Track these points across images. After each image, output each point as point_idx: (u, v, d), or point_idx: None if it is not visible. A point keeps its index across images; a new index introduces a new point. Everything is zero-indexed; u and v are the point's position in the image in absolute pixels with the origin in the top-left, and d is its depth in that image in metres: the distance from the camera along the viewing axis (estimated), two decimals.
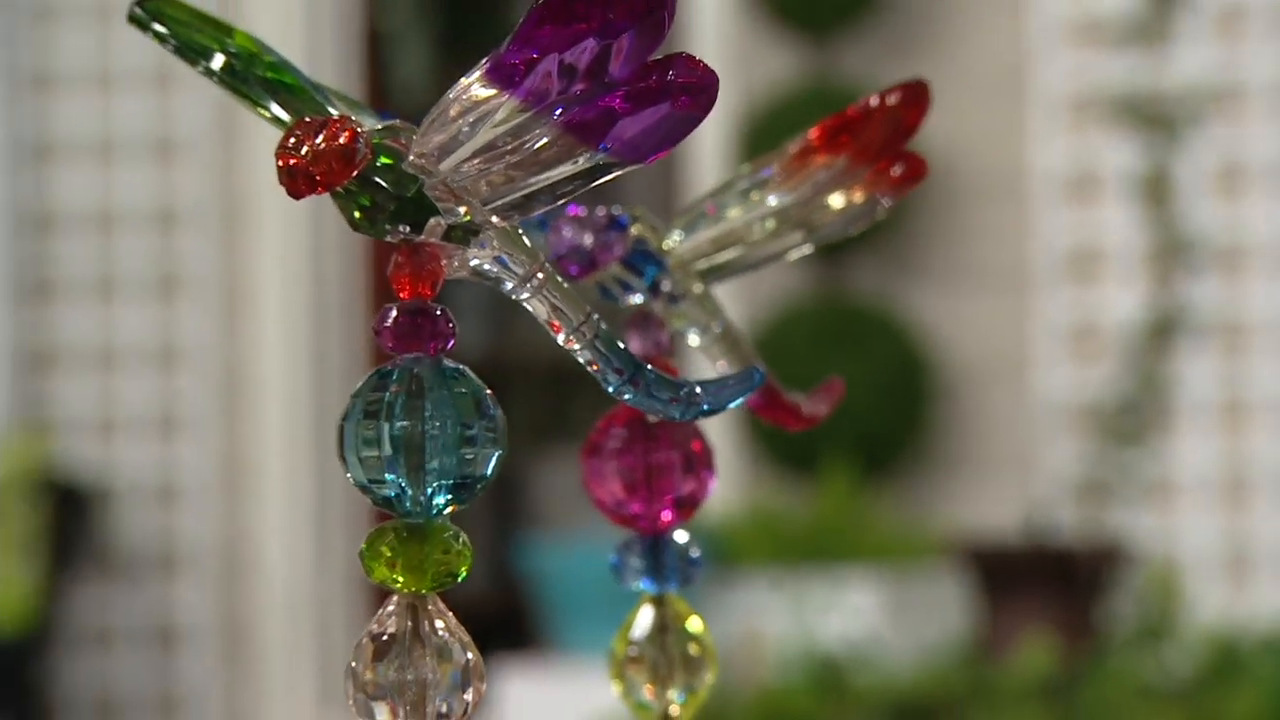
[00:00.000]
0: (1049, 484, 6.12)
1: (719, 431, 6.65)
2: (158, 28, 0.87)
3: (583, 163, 0.79)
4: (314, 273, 7.27)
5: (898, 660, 4.44)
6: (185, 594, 7.08)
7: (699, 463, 0.96)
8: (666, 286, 0.96)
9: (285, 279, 7.07)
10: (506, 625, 7.55)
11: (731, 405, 0.88)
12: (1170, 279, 6.08)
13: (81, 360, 7.21)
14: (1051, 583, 4.25)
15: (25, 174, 7.19)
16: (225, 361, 7.17)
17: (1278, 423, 6.11)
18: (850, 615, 5.00)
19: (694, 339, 0.98)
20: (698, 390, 0.87)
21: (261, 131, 6.91)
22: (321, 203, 3.41)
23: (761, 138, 6.23)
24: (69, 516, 6.74)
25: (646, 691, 0.97)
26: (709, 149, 6.57)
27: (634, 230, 0.94)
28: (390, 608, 0.82)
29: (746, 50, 6.73)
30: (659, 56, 0.77)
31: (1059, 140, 6.26)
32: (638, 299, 0.96)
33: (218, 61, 0.86)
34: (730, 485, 6.57)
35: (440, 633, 0.82)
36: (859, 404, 6.16)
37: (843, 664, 4.18)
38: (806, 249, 1.00)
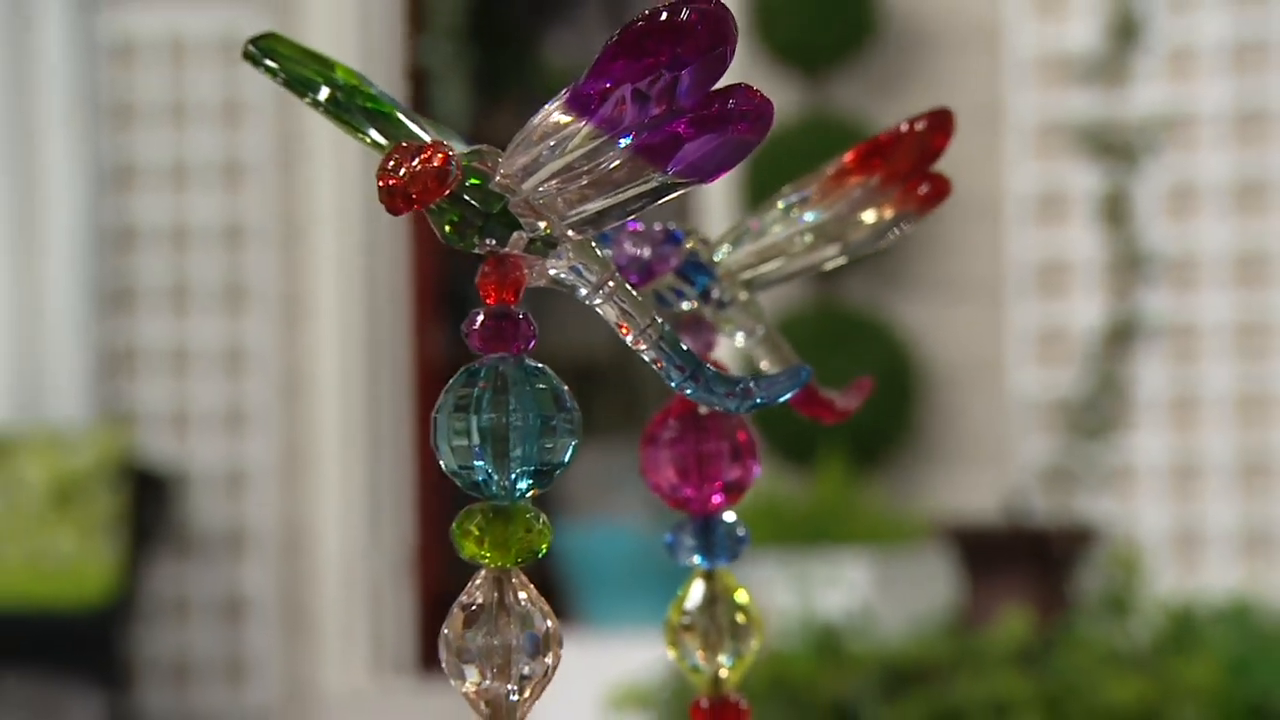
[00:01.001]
0: (1022, 472, 6.14)
1: None
2: (269, 63, 0.88)
3: (651, 183, 0.80)
4: (366, 283, 7.30)
5: (888, 629, 4.41)
6: (251, 570, 7.17)
7: (745, 451, 0.96)
8: (716, 294, 0.97)
9: (339, 289, 7.12)
10: (546, 595, 7.78)
11: (781, 399, 0.89)
12: (1127, 290, 6.08)
13: (159, 361, 7.30)
14: (1026, 560, 4.18)
15: (108, 196, 7.25)
16: (286, 363, 7.22)
17: (1224, 418, 6.13)
18: (846, 589, 5.01)
19: (740, 340, 0.98)
20: (751, 385, 0.86)
21: (317, 159, 7.12)
22: (371, 220, 3.92)
23: (763, 165, 6.21)
24: (148, 501, 6.83)
25: (699, 656, 0.97)
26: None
27: (688, 244, 0.95)
28: (478, 580, 0.83)
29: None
30: (720, 87, 0.78)
31: (1029, 166, 6.31)
32: (690, 305, 0.96)
33: (323, 93, 0.87)
34: None
35: (523, 603, 0.83)
36: None
37: (839, 632, 4.14)
38: (841, 260, 1.01)
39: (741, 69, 6.36)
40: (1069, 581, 4.25)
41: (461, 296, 8.26)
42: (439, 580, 7.51)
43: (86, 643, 6.65)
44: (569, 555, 6.40)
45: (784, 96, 6.51)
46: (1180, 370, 6.14)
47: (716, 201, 6.82)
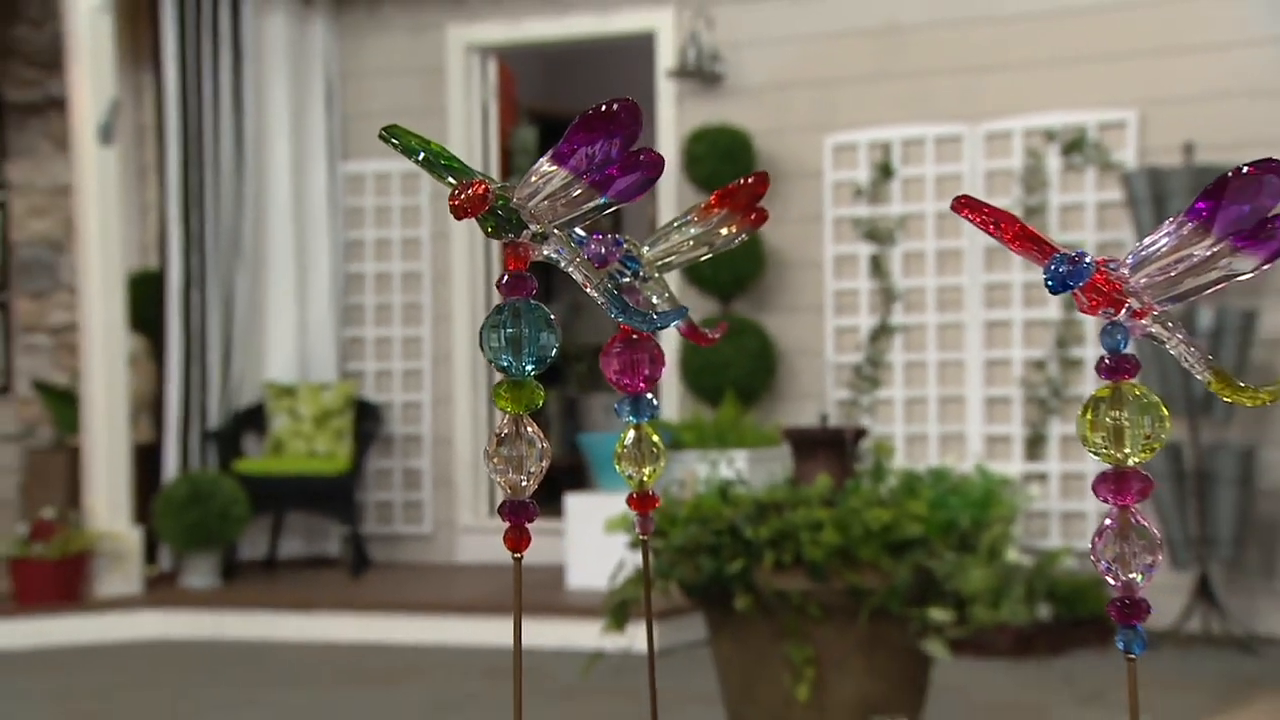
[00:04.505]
0: (830, 404, 7.05)
1: (674, 381, 7.25)
2: (394, 141, 0.91)
3: (598, 203, 0.85)
4: (474, 301, 7.86)
5: (756, 486, 4.24)
6: (420, 458, 7.95)
7: (657, 359, 0.98)
8: (642, 273, 0.98)
9: (466, 306, 7.78)
10: (572, 473, 8.12)
11: (672, 323, 0.94)
12: (885, 310, 7.05)
13: (371, 347, 8.07)
14: (829, 449, 3.96)
15: (344, 260, 8.08)
16: (436, 347, 7.95)
17: (933, 378, 6.99)
18: (734, 467, 4.89)
19: (655, 301, 0.99)
20: (654, 316, 0.92)
21: (455, 237, 7.72)
22: (475, 269, 7.13)
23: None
24: (366, 421, 7.82)
25: (632, 470, 1.01)
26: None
27: (626, 246, 0.96)
28: (504, 420, 0.87)
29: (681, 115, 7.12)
30: (635, 149, 0.82)
31: (834, 244, 7.18)
32: (628, 279, 0.97)
33: (421, 156, 0.89)
34: (677, 409, 7.35)
35: (530, 433, 0.87)
36: (740, 368, 7.04)
37: (730, 487, 3.97)
38: (709, 256, 1.00)
39: (676, 190, 7.27)
40: (852, 460, 4.01)
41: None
42: None
43: (336, 495, 7.53)
44: (588, 450, 7.13)
45: (699, 197, 7.01)
46: (911, 354, 7.03)
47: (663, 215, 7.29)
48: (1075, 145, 6.72)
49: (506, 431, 0.86)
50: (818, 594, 3.52)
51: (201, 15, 7.54)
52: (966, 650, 5.59)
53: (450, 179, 0.86)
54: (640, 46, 7.70)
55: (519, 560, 0.88)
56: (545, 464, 0.86)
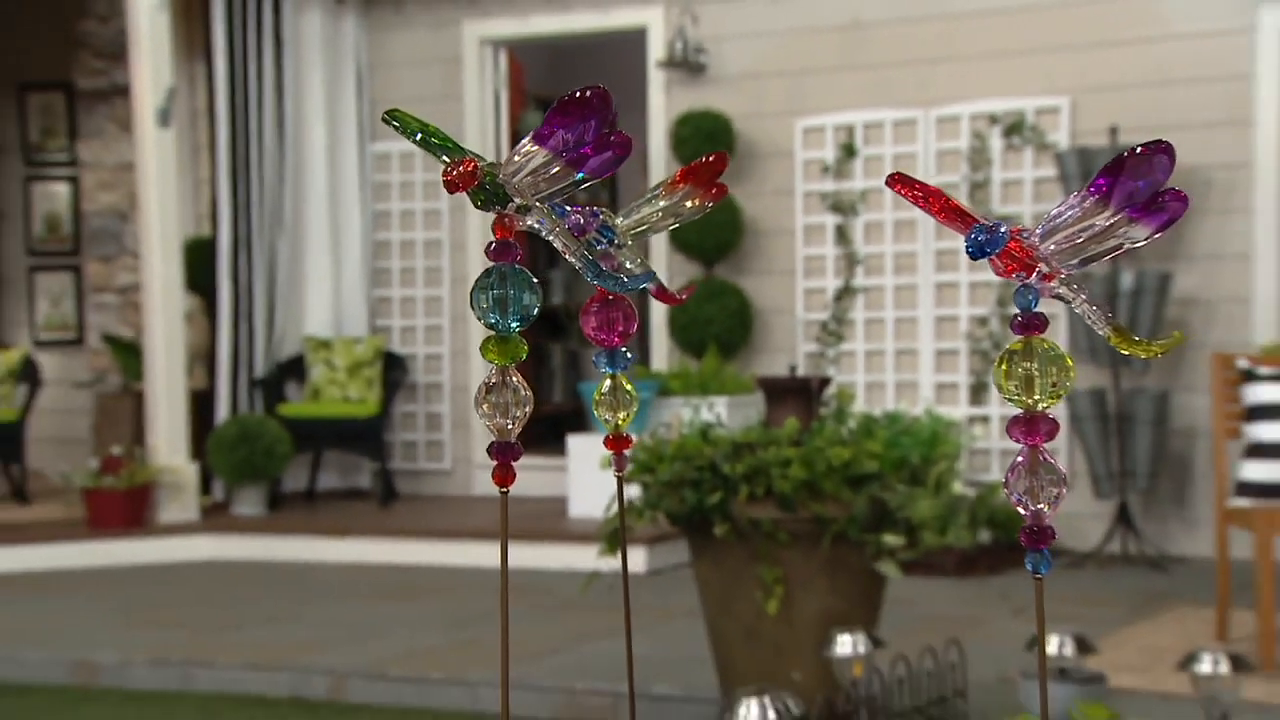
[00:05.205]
0: (799, 356, 7.05)
1: (664, 336, 7.27)
2: (394, 124, 0.85)
3: (573, 179, 0.81)
4: (489, 236, 8.24)
5: (734, 428, 4.06)
6: (440, 402, 7.98)
7: (630, 316, 0.94)
8: (617, 241, 0.92)
9: (477, 268, 7.52)
10: (575, 417, 8.17)
11: (641, 285, 0.91)
12: (848, 273, 7.03)
13: (398, 306, 8.03)
14: (797, 396, 3.83)
15: (373, 228, 7.98)
16: (454, 306, 7.92)
17: (890, 333, 6.91)
18: (714, 412, 4.46)
19: (629, 265, 0.93)
20: (624, 279, 0.88)
21: (470, 212, 7.58)
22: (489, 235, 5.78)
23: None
24: (393, 370, 7.77)
25: (608, 415, 0.96)
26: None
27: (602, 217, 0.91)
28: (491, 370, 0.84)
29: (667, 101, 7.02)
30: (606, 131, 0.78)
31: (804, 215, 7.14)
32: (604, 246, 0.91)
33: (418, 136, 0.83)
34: (666, 361, 7.34)
35: (513, 382, 0.83)
36: (720, 325, 7.01)
37: (711, 430, 3.86)
38: (675, 225, 0.96)
39: (665, 168, 7.23)
40: (817, 405, 3.89)
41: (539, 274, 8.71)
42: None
43: (366, 435, 7.54)
44: (588, 397, 6.98)
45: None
46: (871, 311, 7.02)
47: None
48: (1015, 128, 6.70)
49: (494, 381, 0.84)
50: (786, 522, 3.52)
51: (247, 12, 7.55)
52: (916, 570, 5.58)
53: (444, 157, 0.83)
54: (633, 40, 7.69)
55: (505, 494, 0.86)
56: (528, 410, 0.83)
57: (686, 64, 7.24)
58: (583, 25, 7.68)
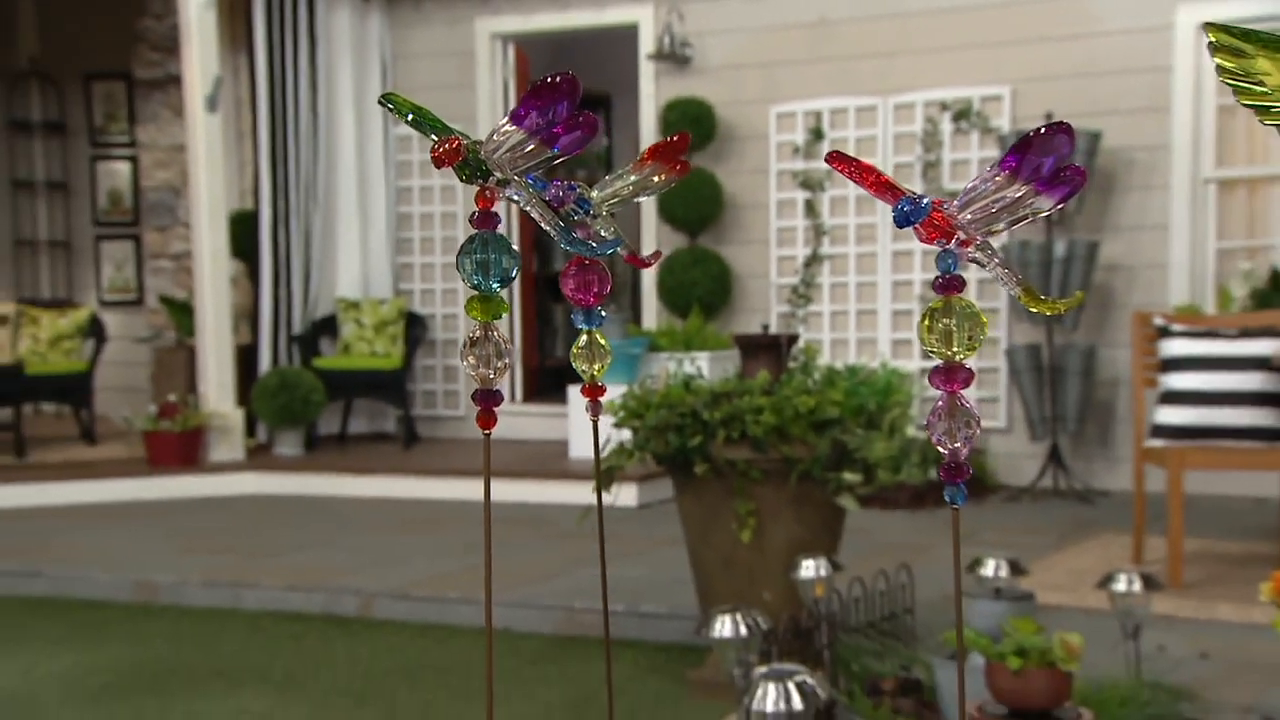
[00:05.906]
0: (773, 316, 6.98)
1: (653, 298, 7.15)
2: (389, 106, 0.82)
3: (545, 156, 0.78)
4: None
5: (713, 380, 3.82)
6: (456, 357, 7.75)
7: (604, 279, 0.90)
8: (593, 212, 0.88)
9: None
10: (575, 370, 8.59)
11: (610, 250, 0.86)
12: (816, 242, 6.93)
13: (420, 271, 7.91)
14: (768, 351, 3.68)
15: (397, 202, 7.87)
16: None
17: (852, 296, 6.86)
18: (696, 365, 4.29)
19: (604, 234, 0.88)
20: (594, 245, 0.85)
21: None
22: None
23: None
24: (414, 328, 7.73)
25: (585, 366, 0.93)
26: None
27: (579, 190, 0.87)
28: (475, 325, 0.81)
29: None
30: (576, 112, 0.76)
31: (777, 191, 7.02)
32: (580, 217, 0.88)
33: (410, 117, 0.81)
34: (655, 320, 7.25)
35: (494, 336, 0.81)
36: (703, 288, 6.93)
37: (693, 381, 3.68)
38: (645, 199, 0.94)
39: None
40: (786, 359, 3.75)
41: (545, 245, 8.62)
42: (534, 359, 8.09)
43: (391, 385, 7.44)
44: None
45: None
46: (837, 276, 6.93)
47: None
48: (963, 114, 6.62)
49: (477, 336, 0.82)
50: (758, 462, 3.48)
51: (285, 11, 7.47)
52: (873, 504, 5.66)
53: (433, 135, 0.81)
54: (626, 35, 7.61)
55: (488, 436, 0.83)
56: (508, 361, 0.81)
57: (674, 56, 7.16)
58: (581, 22, 7.58)
